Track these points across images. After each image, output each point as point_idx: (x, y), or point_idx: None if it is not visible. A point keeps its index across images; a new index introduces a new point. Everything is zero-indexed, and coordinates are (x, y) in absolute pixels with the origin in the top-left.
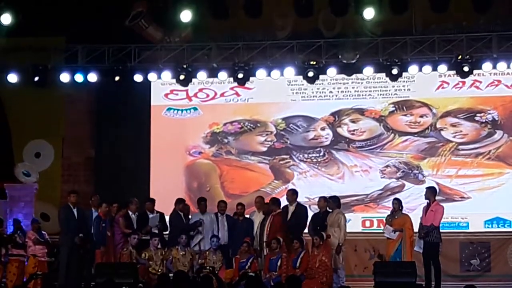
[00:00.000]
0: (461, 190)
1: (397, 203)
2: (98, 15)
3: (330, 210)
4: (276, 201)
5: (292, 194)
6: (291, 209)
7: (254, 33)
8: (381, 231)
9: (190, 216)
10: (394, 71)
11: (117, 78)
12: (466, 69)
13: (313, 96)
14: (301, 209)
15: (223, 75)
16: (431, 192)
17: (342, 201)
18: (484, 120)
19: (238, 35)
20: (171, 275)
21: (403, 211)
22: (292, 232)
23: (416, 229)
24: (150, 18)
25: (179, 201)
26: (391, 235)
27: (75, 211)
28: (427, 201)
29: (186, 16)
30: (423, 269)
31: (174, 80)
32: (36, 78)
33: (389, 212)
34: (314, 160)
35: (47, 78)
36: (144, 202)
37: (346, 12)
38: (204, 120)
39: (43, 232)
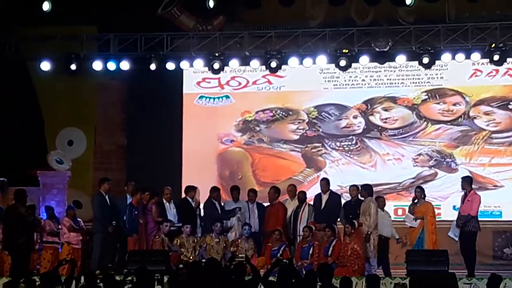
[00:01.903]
0: (494, 179)
1: (419, 191)
2: (130, 3)
3: (362, 198)
4: (278, 190)
5: (326, 184)
6: (325, 197)
7: (286, 21)
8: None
9: (222, 203)
10: (427, 59)
11: (153, 67)
12: (499, 57)
13: (345, 84)
14: (335, 198)
15: (255, 63)
16: (466, 182)
17: (374, 189)
18: None
19: (270, 23)
20: (204, 260)
21: (427, 199)
22: (325, 221)
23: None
24: (183, 6)
25: (214, 190)
26: (412, 223)
27: (107, 198)
28: (464, 190)
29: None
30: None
31: (206, 68)
32: (73, 67)
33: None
34: (346, 148)
35: (80, 66)
36: (185, 190)
37: (378, 1)
38: (236, 108)
39: (79, 219)
